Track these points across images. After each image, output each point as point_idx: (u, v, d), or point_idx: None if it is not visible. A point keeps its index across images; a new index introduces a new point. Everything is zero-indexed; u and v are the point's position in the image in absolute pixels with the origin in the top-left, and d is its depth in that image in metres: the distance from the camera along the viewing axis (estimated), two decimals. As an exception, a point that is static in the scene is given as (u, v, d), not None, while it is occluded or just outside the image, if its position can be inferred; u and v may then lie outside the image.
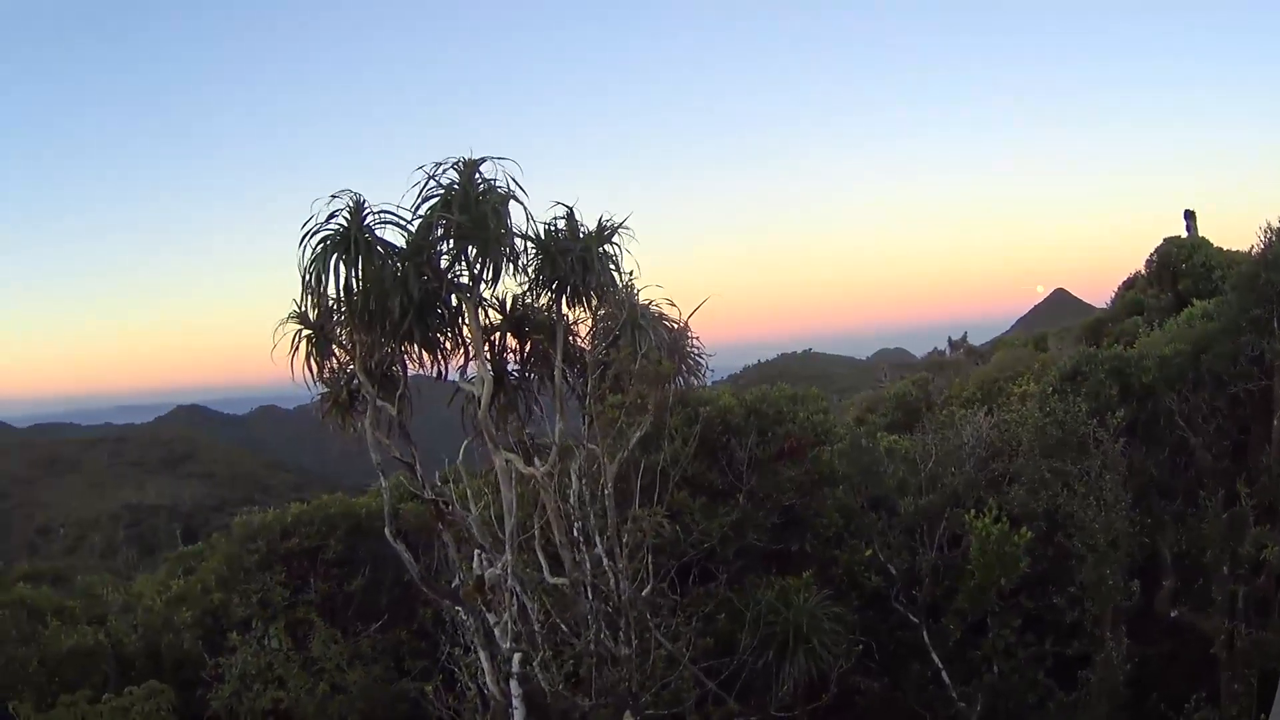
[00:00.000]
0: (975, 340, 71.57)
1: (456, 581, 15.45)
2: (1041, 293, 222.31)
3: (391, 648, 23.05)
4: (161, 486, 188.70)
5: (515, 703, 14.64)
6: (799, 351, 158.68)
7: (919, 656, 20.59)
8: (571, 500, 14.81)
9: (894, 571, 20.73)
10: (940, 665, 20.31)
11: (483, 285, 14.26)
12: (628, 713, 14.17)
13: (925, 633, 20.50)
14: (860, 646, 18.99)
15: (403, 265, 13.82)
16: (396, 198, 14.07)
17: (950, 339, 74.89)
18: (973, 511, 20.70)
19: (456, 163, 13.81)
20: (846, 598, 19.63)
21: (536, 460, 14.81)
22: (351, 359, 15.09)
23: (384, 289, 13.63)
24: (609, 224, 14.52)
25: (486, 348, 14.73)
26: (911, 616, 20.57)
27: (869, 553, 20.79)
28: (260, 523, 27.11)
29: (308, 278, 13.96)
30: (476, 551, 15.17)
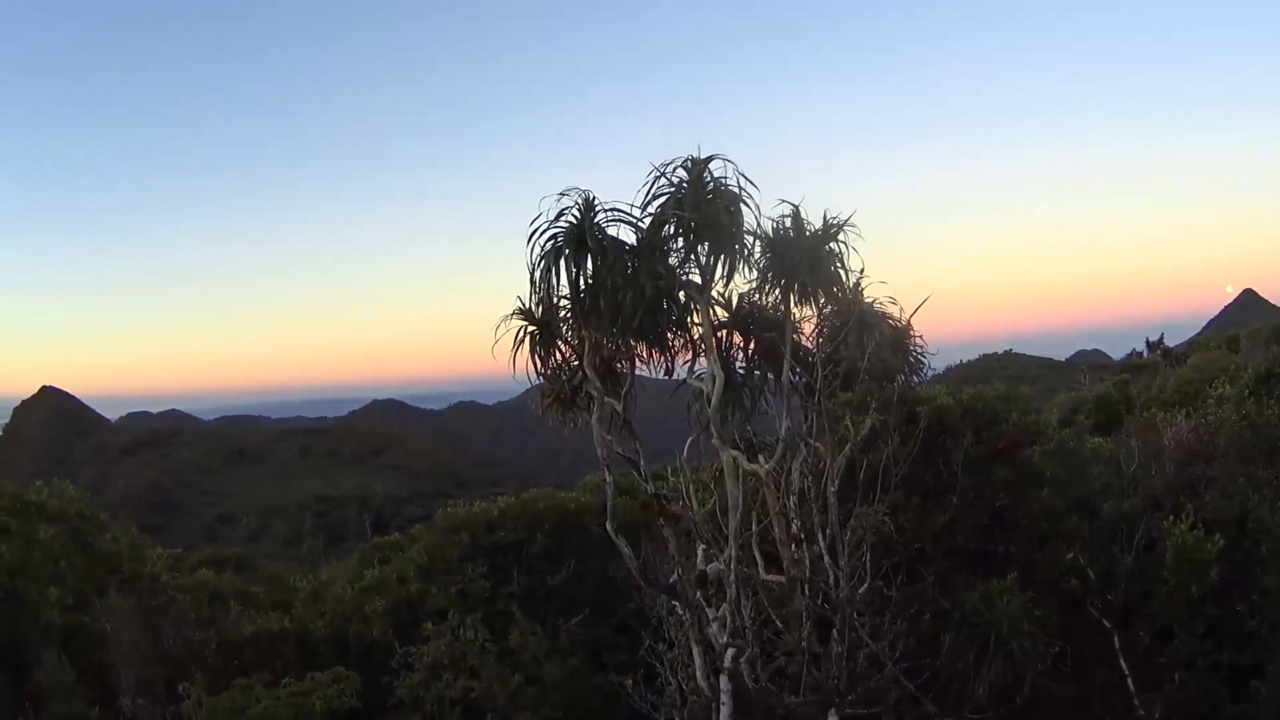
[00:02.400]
0: (1170, 341, 70.62)
1: (674, 576, 15.70)
2: (1231, 293, 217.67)
3: (590, 641, 23.32)
4: (353, 478, 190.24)
5: (724, 698, 14.77)
6: (999, 352, 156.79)
7: (1108, 662, 20.34)
8: (792, 497, 15.06)
9: (1092, 575, 20.52)
10: (1126, 672, 20.20)
11: (713, 283, 14.49)
12: (831, 711, 14.31)
13: (1116, 638, 20.44)
14: (1055, 650, 18.90)
15: (634, 262, 14.09)
16: (614, 195, 14.43)
17: (1148, 340, 73.74)
18: (1170, 517, 20.50)
19: (685, 160, 14.06)
20: (1045, 601, 19.61)
21: (760, 457, 14.97)
22: (577, 355, 15.47)
23: (615, 286, 13.90)
24: (834, 221, 14.61)
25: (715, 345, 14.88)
26: (1105, 621, 20.40)
27: (1070, 556, 20.62)
28: (465, 515, 27.43)
29: (536, 274, 14.35)
30: (701, 547, 15.52)
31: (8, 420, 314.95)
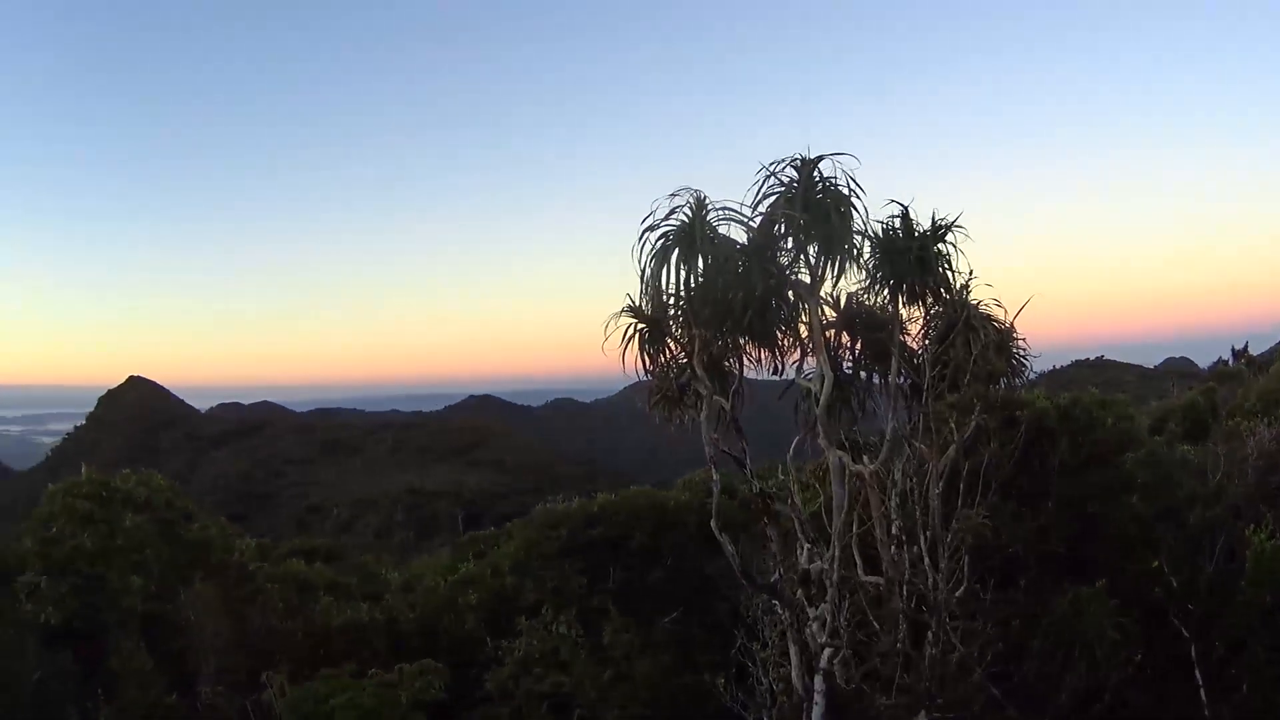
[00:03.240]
0: (1255, 349, 70.00)
1: (776, 575, 15.71)
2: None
3: (683, 639, 23.36)
4: (446, 473, 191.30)
5: (818, 698, 14.82)
6: (1091, 358, 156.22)
7: (1184, 671, 20.37)
8: (894, 498, 15.02)
9: (1175, 584, 20.50)
10: (1200, 682, 20.12)
11: (822, 282, 14.55)
12: (921, 714, 14.34)
13: (1193, 648, 20.33)
14: (1138, 658, 18.94)
15: (745, 261, 14.19)
16: (724, 194, 14.53)
17: (1233, 349, 73.09)
18: (1251, 526, 20.43)
19: (794, 160, 14.13)
20: (1130, 609, 19.59)
21: (865, 458, 15.00)
22: (686, 353, 15.55)
23: (726, 284, 14.05)
24: (942, 222, 14.66)
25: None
26: (1184, 631, 20.35)
27: (1155, 564, 20.63)
28: (564, 510, 27.61)
29: (647, 272, 14.51)
30: (807, 546, 15.50)
31: (92, 409, 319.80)
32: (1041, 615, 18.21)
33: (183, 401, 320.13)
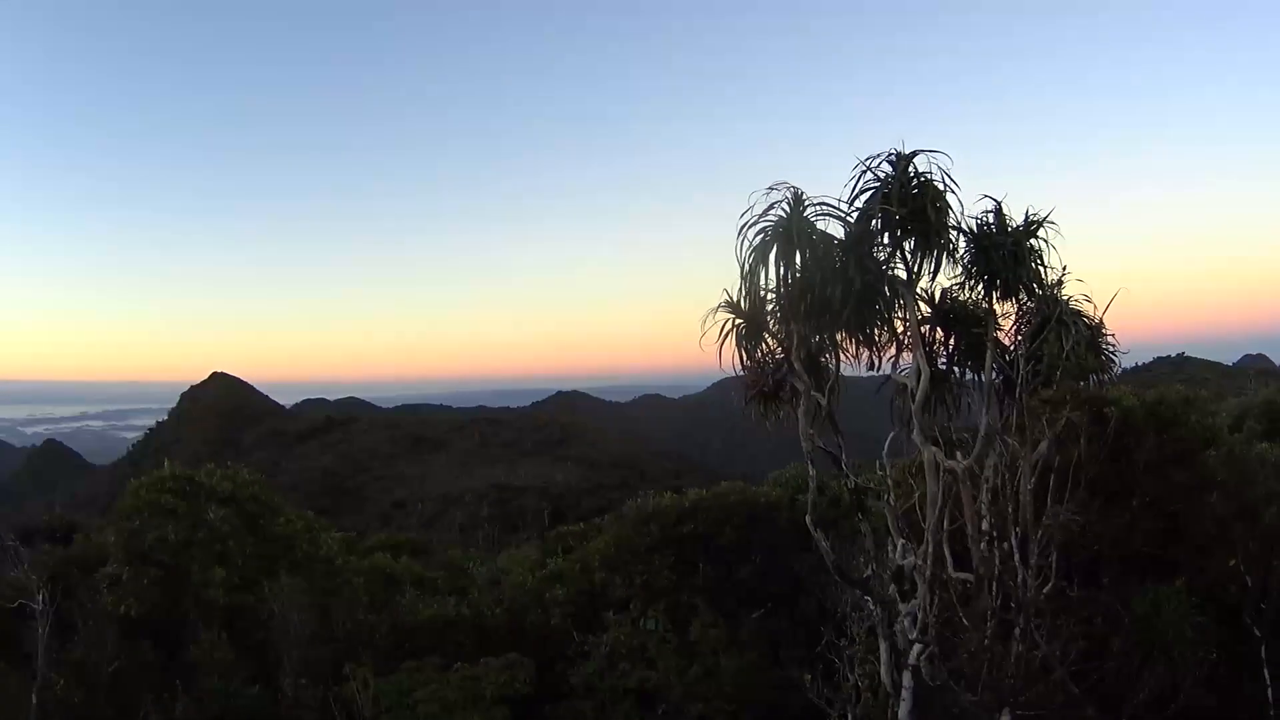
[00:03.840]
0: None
1: (869, 571, 15.84)
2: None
3: (770, 635, 23.43)
4: (533, 468, 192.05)
5: (904, 694, 15.00)
6: (1172, 355, 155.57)
7: (1251, 671, 20.29)
8: (986, 495, 15.04)
9: (1249, 584, 20.38)
10: (1269, 682, 19.96)
11: (920, 278, 14.70)
12: (1005, 711, 14.40)
13: (1264, 649, 20.23)
14: (1213, 657, 18.84)
15: (842, 257, 14.28)
16: (819, 189, 14.67)
17: (1313, 346, 72.50)
18: None
19: (890, 155, 14.27)
20: (1206, 608, 19.53)
21: (958, 454, 15.05)
22: (783, 349, 15.63)
23: (824, 280, 14.14)
24: (1035, 217, 14.77)
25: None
26: (1256, 631, 20.25)
27: (1232, 563, 20.42)
28: (655, 506, 27.73)
29: (745, 267, 14.65)
30: (901, 542, 15.59)
31: (175, 405, 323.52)
32: (1122, 614, 18.16)
33: (267, 397, 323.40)
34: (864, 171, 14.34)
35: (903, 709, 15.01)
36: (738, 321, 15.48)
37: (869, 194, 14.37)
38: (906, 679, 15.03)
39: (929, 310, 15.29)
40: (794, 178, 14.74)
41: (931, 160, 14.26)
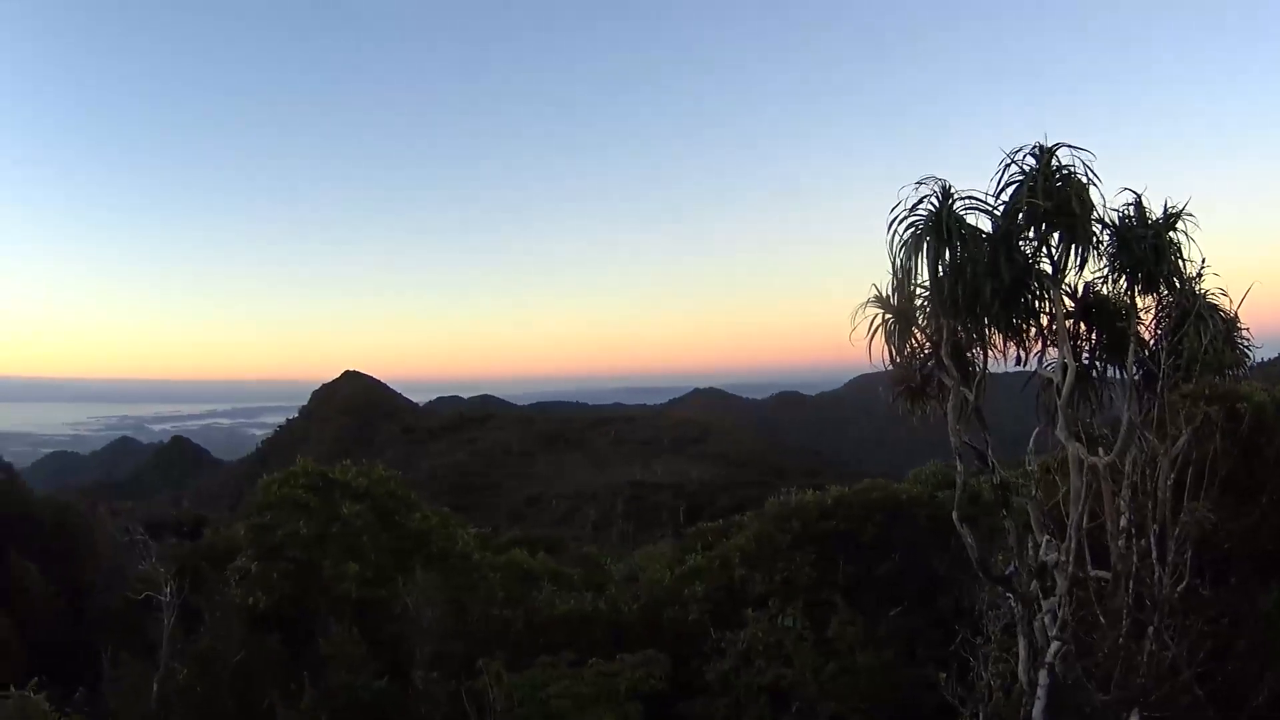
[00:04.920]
0: None
1: (1011, 567, 15.96)
2: None
3: (906, 633, 23.69)
4: (668, 465, 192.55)
5: (1040, 692, 15.02)
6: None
7: None
8: (1125, 491, 15.03)
9: None
10: None
11: (1065, 272, 14.83)
12: (1135, 711, 14.43)
13: None
14: None
15: (991, 250, 14.49)
16: (962, 183, 14.83)
17: None
18: None
19: (1033, 148, 14.47)
20: None
21: (1100, 450, 15.10)
22: (932, 344, 15.89)
23: (975, 274, 14.36)
24: (1174, 209, 14.82)
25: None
26: None
27: None
28: (798, 503, 28.14)
29: (896, 262, 14.87)
30: (1046, 538, 15.62)
31: (305, 403, 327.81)
32: (1248, 614, 18.11)
33: (400, 395, 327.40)
34: (1008, 165, 14.52)
35: (1037, 707, 15.06)
36: (887, 316, 15.72)
37: (1014, 187, 14.52)
38: (1042, 677, 15.08)
39: (1072, 304, 15.37)
40: (938, 172, 14.80)
41: (1074, 153, 14.41)
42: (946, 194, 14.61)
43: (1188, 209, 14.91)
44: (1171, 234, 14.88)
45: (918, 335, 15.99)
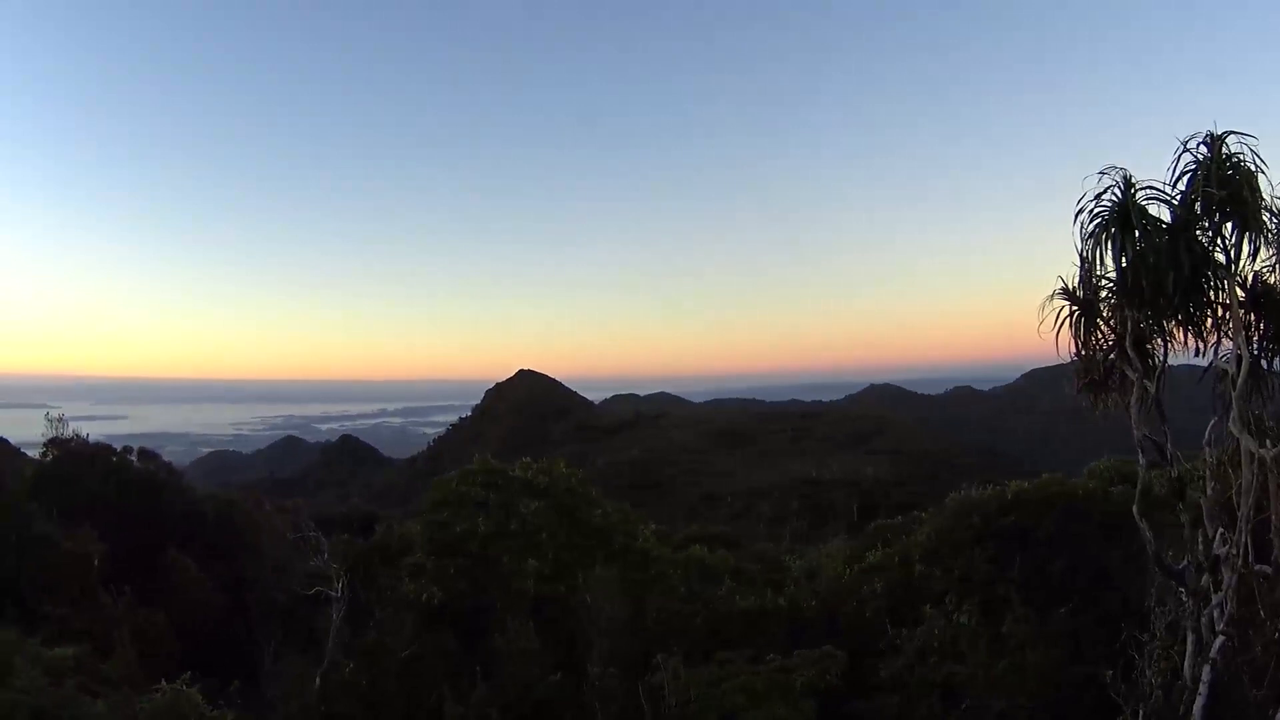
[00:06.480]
0: None
1: (1185, 561, 16.10)
2: None
3: (1074, 630, 23.61)
4: (843, 462, 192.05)
5: (1202, 688, 15.11)
6: None
7: None
8: None
9: None
10: None
11: (1239, 262, 14.90)
12: None
13: None
14: None
15: (1171, 240, 14.65)
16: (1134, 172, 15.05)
17: None
18: None
19: (1205, 137, 14.57)
20: None
21: (1268, 442, 14.98)
22: (1117, 336, 16.06)
23: (1158, 265, 14.54)
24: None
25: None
26: None
27: None
28: (979, 498, 28.58)
29: (1084, 253, 15.26)
30: (1220, 530, 15.77)
31: (479, 402, 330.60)
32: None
33: (575, 393, 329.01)
34: (1182, 153, 14.66)
35: (1198, 704, 15.16)
36: (1072, 308, 16.00)
37: (1188, 176, 14.65)
38: (1206, 673, 15.21)
39: (1242, 295, 15.31)
40: (1109, 160, 15.04)
41: (1242, 141, 14.51)
42: (1128, 184, 14.87)
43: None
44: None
45: (1102, 327, 16.16)
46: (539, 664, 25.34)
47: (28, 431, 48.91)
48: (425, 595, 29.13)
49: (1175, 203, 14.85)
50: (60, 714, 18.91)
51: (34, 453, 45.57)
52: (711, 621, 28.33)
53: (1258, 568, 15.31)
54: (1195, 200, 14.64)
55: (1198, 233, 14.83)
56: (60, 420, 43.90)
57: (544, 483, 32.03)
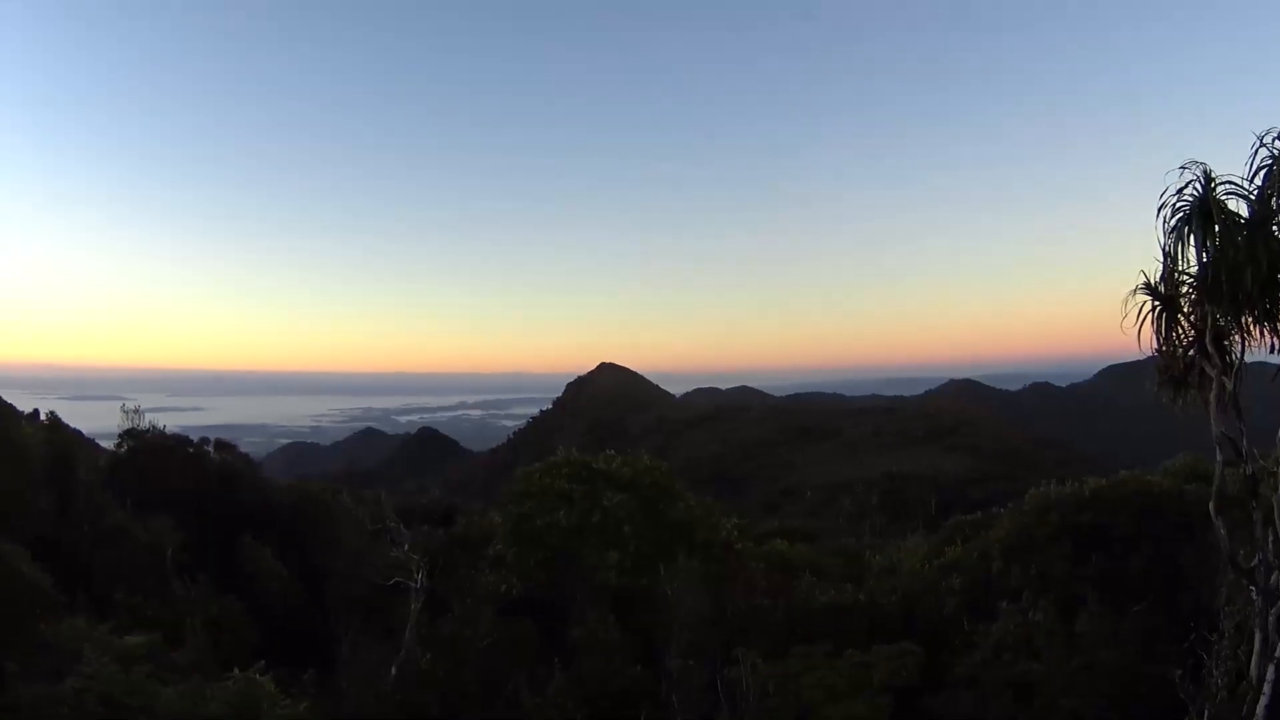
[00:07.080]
0: None
1: (1257, 559, 15.91)
2: None
3: (1146, 630, 23.65)
4: (922, 457, 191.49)
5: (1266, 688, 15.14)
6: None
7: None
8: None
9: None
10: None
11: None
12: None
13: None
14: None
15: (1249, 236, 14.67)
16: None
17: None
18: None
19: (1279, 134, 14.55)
20: None
21: None
22: (1198, 332, 16.04)
23: (1237, 261, 14.56)
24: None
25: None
26: None
27: None
28: (1057, 495, 28.72)
29: (1167, 249, 15.34)
30: None
31: (559, 395, 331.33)
32: None
33: (656, 386, 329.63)
34: (1258, 148, 14.71)
35: (1261, 704, 15.22)
36: (1154, 304, 16.10)
37: (1264, 171, 14.73)
38: (1270, 672, 15.26)
39: None
40: (1189, 156, 15.12)
41: None
42: (1208, 179, 14.89)
43: None
44: None
45: (1183, 323, 16.19)
46: (618, 656, 25.66)
47: (104, 423, 49.41)
48: (505, 586, 29.51)
49: (1253, 198, 14.88)
50: (129, 700, 19.06)
51: (109, 444, 45.99)
52: (791, 616, 28.50)
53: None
54: (1272, 195, 14.72)
55: (1274, 228, 14.82)
56: (136, 412, 44.16)
57: (628, 475, 32.29)
